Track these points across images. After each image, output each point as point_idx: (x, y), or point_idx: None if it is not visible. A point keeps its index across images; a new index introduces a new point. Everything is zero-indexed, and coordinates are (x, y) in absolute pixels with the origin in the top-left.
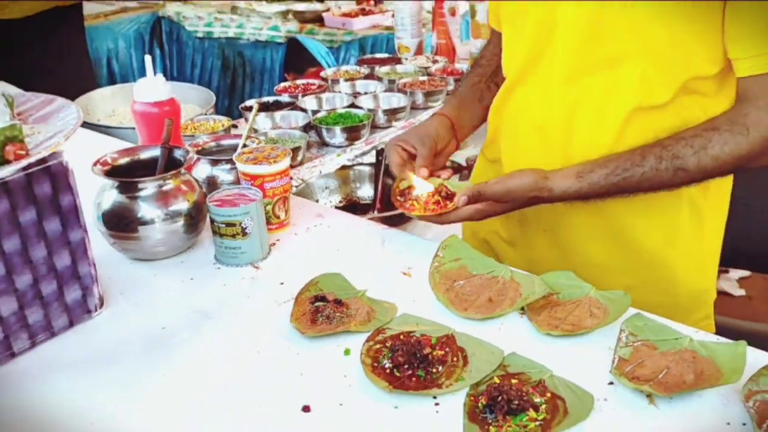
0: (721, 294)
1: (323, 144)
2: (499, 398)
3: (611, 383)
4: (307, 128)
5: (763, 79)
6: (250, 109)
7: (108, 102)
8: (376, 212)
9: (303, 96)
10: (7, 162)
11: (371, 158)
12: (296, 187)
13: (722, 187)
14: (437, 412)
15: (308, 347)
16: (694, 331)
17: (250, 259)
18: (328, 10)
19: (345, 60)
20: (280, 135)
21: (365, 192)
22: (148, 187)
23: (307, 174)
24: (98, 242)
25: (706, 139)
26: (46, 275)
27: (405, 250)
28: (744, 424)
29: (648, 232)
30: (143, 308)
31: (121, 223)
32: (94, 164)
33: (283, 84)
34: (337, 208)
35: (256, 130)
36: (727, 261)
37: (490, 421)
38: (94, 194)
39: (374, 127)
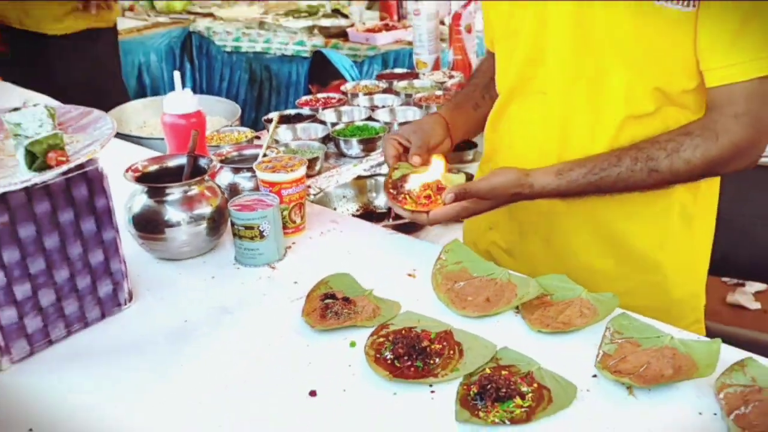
0: (737, 307)
1: (341, 155)
2: (489, 387)
3: (594, 376)
4: (325, 140)
5: (729, 89)
6: (272, 121)
7: (140, 114)
8: (390, 220)
9: (323, 109)
10: (50, 167)
11: (386, 169)
12: (315, 195)
13: (711, 192)
14: (432, 399)
15: (317, 340)
16: (677, 331)
17: (267, 260)
18: (352, 25)
19: (368, 74)
20: (299, 146)
21: (381, 201)
22: (175, 192)
23: (325, 183)
24: (128, 243)
25: (679, 143)
26: (81, 270)
27: (411, 253)
28: (715, 414)
29: (641, 238)
30: (168, 303)
31: (149, 226)
32: (126, 171)
33: (304, 98)
34: (354, 216)
35: (277, 141)
36: (746, 274)
37: (479, 407)
38: (126, 198)
39: None
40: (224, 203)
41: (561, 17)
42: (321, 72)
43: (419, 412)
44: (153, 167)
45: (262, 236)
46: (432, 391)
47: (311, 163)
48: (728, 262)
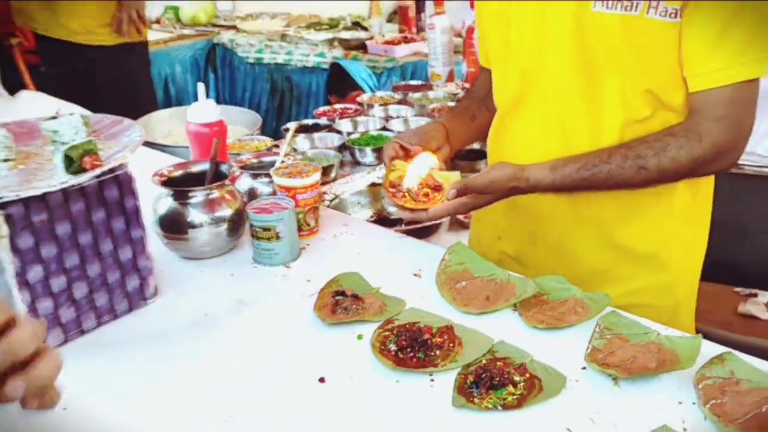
0: (749, 317)
1: (356, 163)
2: (484, 376)
3: (584, 368)
4: (341, 148)
5: (709, 94)
6: (289, 130)
7: (165, 123)
8: (402, 226)
9: (340, 119)
10: (85, 170)
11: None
12: (330, 201)
13: (707, 194)
14: (432, 386)
15: (327, 332)
16: (663, 328)
17: (283, 260)
18: (372, 38)
19: (387, 85)
20: (316, 154)
21: (394, 208)
22: (198, 195)
23: (340, 189)
24: (154, 242)
25: (666, 143)
26: (111, 266)
27: (417, 255)
28: (693, 404)
29: (646, 239)
30: (190, 298)
31: (173, 226)
32: (153, 175)
33: (322, 108)
34: (368, 222)
35: (295, 150)
36: (759, 284)
37: (475, 394)
38: (152, 201)
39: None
40: (243, 206)
41: (557, 30)
42: (339, 83)
43: (419, 399)
44: (178, 172)
45: (278, 237)
46: (432, 380)
47: (327, 170)
48: (742, 271)
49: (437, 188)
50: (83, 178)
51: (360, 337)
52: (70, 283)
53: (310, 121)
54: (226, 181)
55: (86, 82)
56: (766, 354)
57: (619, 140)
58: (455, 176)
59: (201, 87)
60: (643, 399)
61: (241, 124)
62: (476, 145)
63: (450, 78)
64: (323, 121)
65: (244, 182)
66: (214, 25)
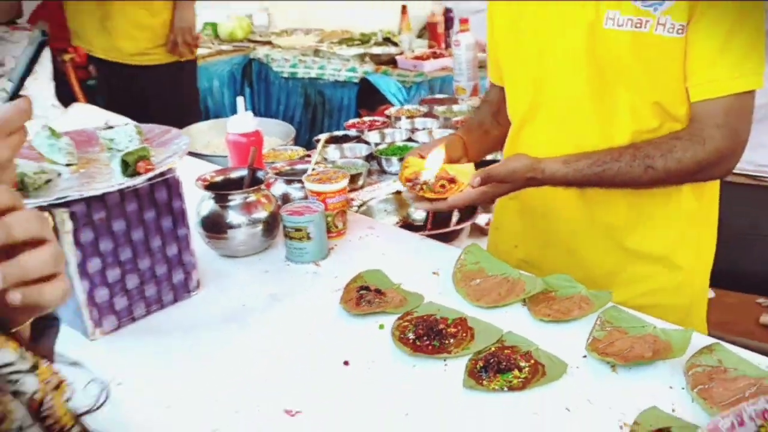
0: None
1: (382, 171)
2: (492, 361)
3: (584, 356)
4: (369, 158)
5: (709, 103)
6: (320, 140)
7: (205, 134)
8: (426, 231)
9: (368, 131)
10: (139, 174)
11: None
12: (359, 207)
13: (712, 198)
14: (445, 371)
15: (352, 322)
16: (660, 322)
17: (313, 258)
18: (402, 53)
19: (415, 98)
20: (345, 163)
21: (419, 215)
22: (236, 199)
23: (367, 196)
24: (197, 241)
25: (672, 145)
26: (160, 260)
27: (436, 255)
28: (682, 388)
29: (658, 242)
30: (228, 292)
31: (214, 227)
32: (197, 180)
33: (352, 120)
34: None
35: (326, 159)
36: None
37: (483, 377)
38: (195, 203)
39: None
40: (277, 209)
41: (570, 46)
42: (369, 97)
43: (434, 381)
44: (218, 177)
45: (308, 238)
46: (445, 365)
47: (355, 178)
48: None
49: (452, 180)
50: (138, 181)
51: (381, 326)
52: (123, 275)
53: (340, 133)
54: (262, 186)
55: (136, 96)
56: None
57: None
58: (470, 168)
59: (240, 100)
60: (638, 384)
61: (275, 135)
62: (490, 156)
63: (474, 92)
64: (353, 132)
65: (279, 187)
66: (250, 41)
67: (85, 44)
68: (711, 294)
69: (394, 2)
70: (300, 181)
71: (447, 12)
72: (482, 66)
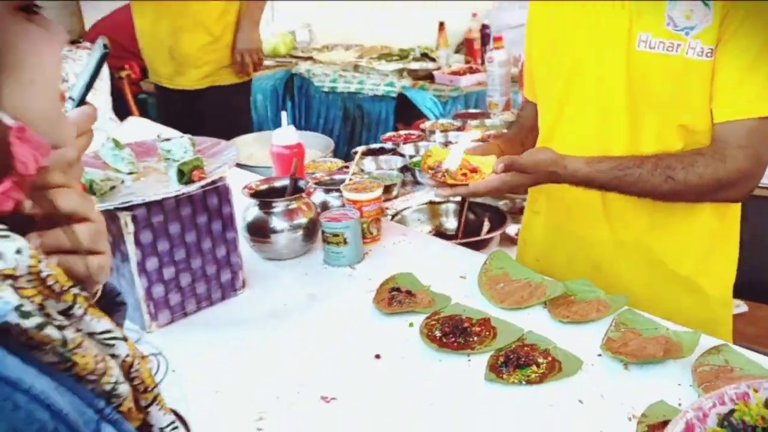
0: None
1: (416, 183)
2: (512, 357)
3: (599, 355)
4: (403, 170)
5: (733, 125)
6: (357, 153)
7: (249, 147)
8: (458, 239)
9: (403, 144)
10: (193, 182)
11: (458, 197)
12: (393, 216)
13: (734, 219)
14: (468, 366)
15: (384, 321)
16: (672, 324)
17: (349, 262)
18: (439, 68)
19: (451, 113)
20: (380, 174)
21: (451, 224)
22: (279, 206)
23: (401, 205)
24: (243, 245)
25: (694, 159)
26: (210, 261)
27: (464, 260)
28: (690, 385)
29: (681, 263)
30: (271, 291)
31: (259, 231)
32: (243, 188)
33: (388, 134)
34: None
35: (362, 170)
36: None
37: (504, 371)
38: (242, 210)
39: None
40: (317, 216)
41: (602, 66)
42: (407, 111)
43: (458, 374)
44: (263, 186)
45: (345, 242)
46: (469, 360)
47: (389, 188)
48: None
49: (474, 170)
50: (192, 188)
51: (411, 324)
52: (177, 273)
53: (376, 146)
54: (303, 195)
55: (194, 116)
56: None
57: None
58: (492, 160)
59: (284, 115)
60: (648, 381)
61: (316, 148)
62: None
63: (507, 107)
64: (388, 145)
65: (318, 196)
66: (293, 56)
67: (155, 76)
68: (744, 308)
69: (433, 18)
70: (338, 191)
71: (484, 28)
72: (515, 81)
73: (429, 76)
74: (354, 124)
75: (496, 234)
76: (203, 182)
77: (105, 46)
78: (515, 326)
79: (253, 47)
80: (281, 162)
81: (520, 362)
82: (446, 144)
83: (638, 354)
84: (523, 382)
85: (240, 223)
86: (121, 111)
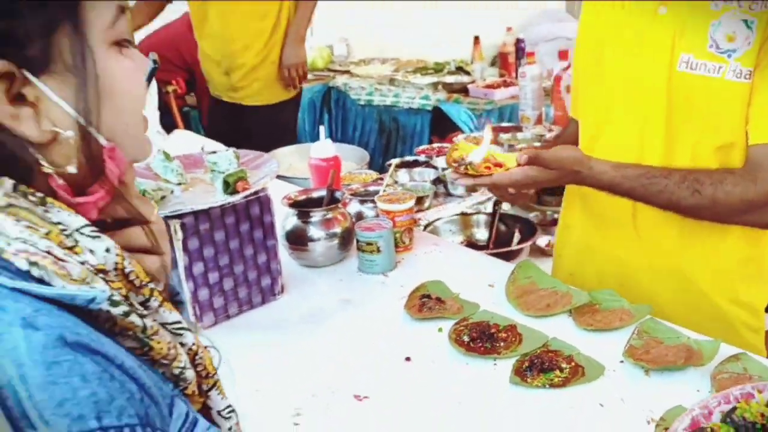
0: None
1: (448, 194)
2: (537, 362)
3: (621, 361)
4: (436, 181)
5: (765, 148)
6: (391, 165)
7: (287, 158)
8: (488, 250)
9: (436, 156)
10: (237, 192)
11: (489, 208)
12: (425, 227)
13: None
14: (494, 369)
15: (414, 325)
16: (694, 333)
17: (382, 270)
18: (473, 82)
19: (485, 125)
20: (413, 186)
21: (482, 235)
22: (316, 215)
23: (433, 216)
24: (282, 252)
25: (723, 177)
26: (251, 266)
27: (492, 269)
28: (709, 392)
29: (711, 283)
30: (308, 296)
31: (297, 240)
32: (283, 199)
33: (422, 147)
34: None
35: (396, 182)
36: None
37: (528, 375)
38: (281, 219)
39: None
40: (352, 225)
41: (642, 86)
42: (442, 124)
43: (484, 376)
44: (301, 197)
45: (379, 251)
46: (495, 364)
47: (422, 199)
48: None
49: (498, 165)
50: (237, 198)
51: (440, 330)
52: (221, 278)
53: (410, 158)
54: (339, 205)
55: (242, 132)
56: None
57: None
58: (513, 156)
59: (322, 130)
60: (668, 387)
61: (351, 160)
62: None
63: (539, 121)
64: (422, 158)
65: (353, 206)
66: (330, 70)
67: (211, 87)
68: None
69: (468, 32)
70: (372, 201)
71: (518, 42)
72: (547, 94)
73: (463, 90)
74: (389, 136)
75: (527, 245)
76: (247, 193)
77: (155, 62)
78: (540, 333)
79: (299, 61)
80: (319, 174)
81: (544, 367)
82: None
83: (659, 361)
84: (547, 386)
85: (279, 232)
86: (167, 124)
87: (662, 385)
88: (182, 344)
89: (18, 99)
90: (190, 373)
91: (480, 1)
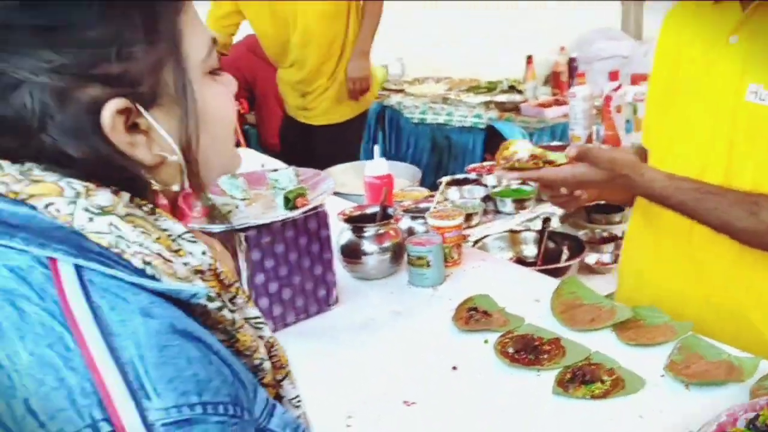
0: None
1: (496, 212)
2: (579, 374)
3: (662, 376)
4: (485, 199)
5: None
6: (442, 182)
7: (341, 176)
8: (537, 266)
9: (487, 174)
10: (297, 208)
11: (538, 225)
12: (475, 243)
13: None
14: (538, 380)
15: (461, 337)
16: (735, 350)
17: (432, 283)
18: (525, 101)
19: (536, 144)
20: (463, 203)
21: (530, 252)
22: (370, 230)
23: (482, 233)
24: (336, 265)
25: None
26: (308, 278)
27: (538, 285)
28: None
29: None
30: (361, 307)
31: (351, 253)
32: (338, 214)
33: (473, 165)
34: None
35: (446, 199)
36: None
37: (570, 386)
38: (336, 234)
39: (539, 200)
40: (403, 240)
41: (709, 116)
42: (494, 143)
43: (527, 386)
44: (356, 212)
45: (428, 265)
46: (538, 375)
47: (471, 216)
48: None
49: (548, 163)
50: (296, 213)
51: (486, 341)
52: (280, 288)
53: (461, 176)
54: (392, 221)
55: (311, 150)
56: None
57: None
58: (562, 157)
59: (376, 149)
60: (707, 401)
61: (403, 177)
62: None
63: (589, 140)
64: (472, 175)
65: (405, 222)
66: (385, 89)
67: (286, 106)
68: None
69: (521, 52)
70: (423, 217)
71: (571, 61)
72: (598, 113)
73: (515, 108)
74: (441, 154)
75: (575, 262)
76: (305, 208)
77: None
78: (583, 346)
79: (363, 75)
80: (372, 191)
81: (585, 378)
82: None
83: (699, 375)
84: (588, 397)
85: (335, 245)
86: None
87: (701, 399)
88: (261, 337)
89: (132, 128)
90: (267, 364)
91: (534, 21)
